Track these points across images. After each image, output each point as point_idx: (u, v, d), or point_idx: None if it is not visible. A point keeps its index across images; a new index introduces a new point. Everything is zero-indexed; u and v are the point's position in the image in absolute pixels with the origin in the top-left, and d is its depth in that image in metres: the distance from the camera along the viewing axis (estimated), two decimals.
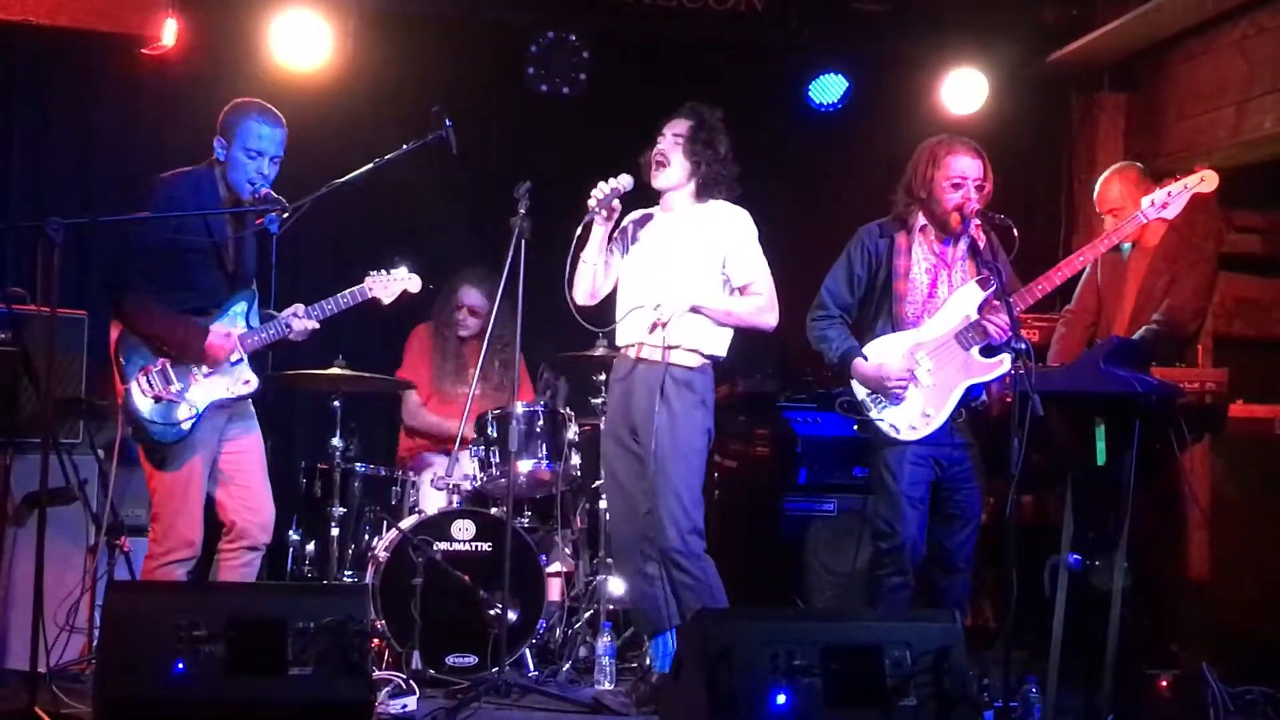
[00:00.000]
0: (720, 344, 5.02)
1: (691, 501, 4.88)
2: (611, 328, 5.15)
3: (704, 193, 5.01)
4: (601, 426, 5.24)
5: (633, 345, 5.01)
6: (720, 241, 4.98)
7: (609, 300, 5.14)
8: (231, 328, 4.82)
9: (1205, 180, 5.07)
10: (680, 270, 4.94)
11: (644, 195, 5.13)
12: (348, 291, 5.06)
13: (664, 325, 4.88)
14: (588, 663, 5.51)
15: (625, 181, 4.95)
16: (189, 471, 4.74)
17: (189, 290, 4.78)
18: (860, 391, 5.08)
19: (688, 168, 4.98)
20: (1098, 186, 5.74)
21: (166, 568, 4.71)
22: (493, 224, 5.44)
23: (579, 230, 4.97)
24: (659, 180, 5.01)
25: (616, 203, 4.97)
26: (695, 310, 4.93)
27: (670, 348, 4.90)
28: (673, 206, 5.06)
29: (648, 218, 5.11)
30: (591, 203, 4.92)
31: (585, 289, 5.06)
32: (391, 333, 6.51)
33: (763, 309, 5.01)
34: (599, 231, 4.99)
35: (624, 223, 5.13)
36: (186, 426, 4.71)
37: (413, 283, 5.22)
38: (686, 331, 4.92)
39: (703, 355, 4.97)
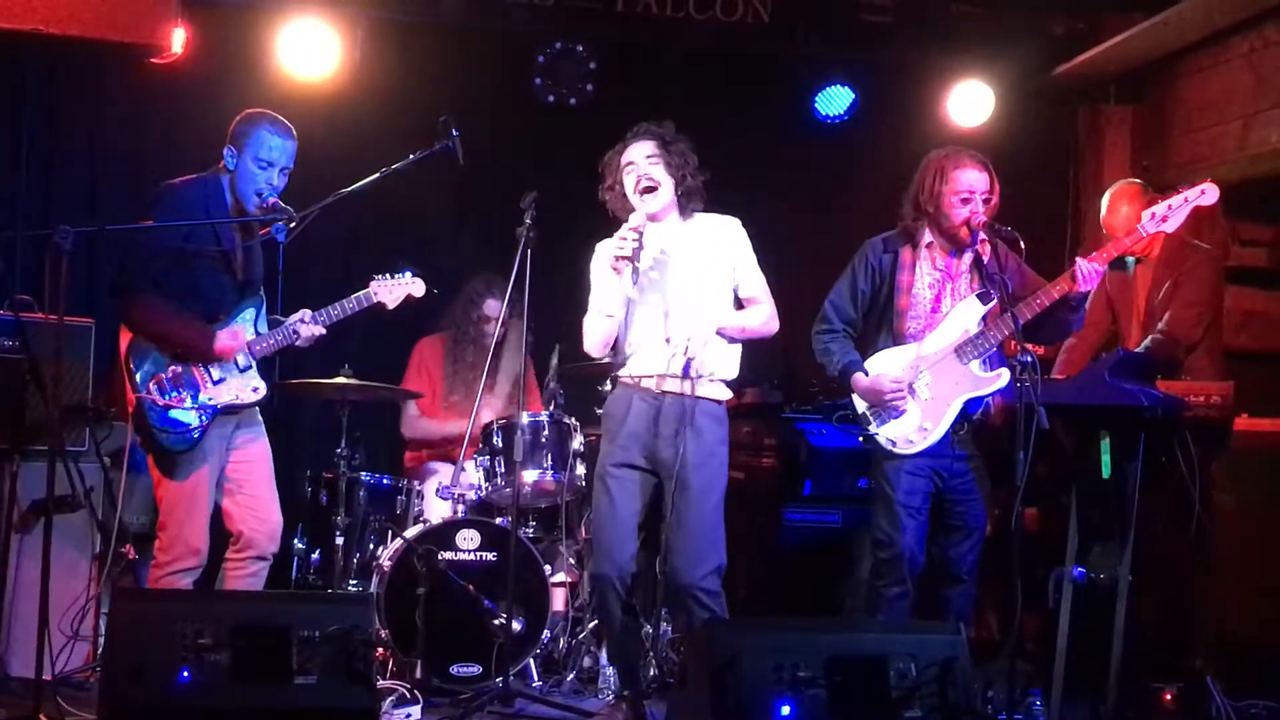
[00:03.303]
0: (735, 364, 4.88)
1: (720, 537, 4.77)
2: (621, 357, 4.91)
3: (686, 207, 4.85)
4: (602, 450, 4.91)
5: (651, 377, 4.77)
6: (727, 256, 4.85)
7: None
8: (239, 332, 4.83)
9: (1206, 193, 4.99)
10: (696, 294, 4.78)
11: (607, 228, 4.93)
12: (353, 297, 5.07)
13: (693, 358, 4.70)
14: (592, 673, 5.53)
15: (639, 222, 4.74)
16: (196, 480, 4.74)
17: (197, 297, 4.78)
18: (860, 405, 5.07)
19: (672, 184, 4.79)
20: (1105, 206, 5.71)
21: (172, 577, 4.70)
22: (499, 234, 5.45)
23: (602, 289, 4.80)
24: (652, 204, 4.77)
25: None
26: (718, 333, 4.78)
27: (699, 379, 4.70)
28: (660, 228, 4.84)
29: (640, 244, 4.79)
30: (625, 253, 4.67)
31: (604, 341, 4.86)
32: (398, 342, 6.51)
33: (770, 317, 4.88)
34: (626, 281, 4.74)
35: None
36: (195, 435, 4.72)
37: (416, 287, 5.21)
38: (712, 360, 4.76)
39: (726, 384, 4.84)
